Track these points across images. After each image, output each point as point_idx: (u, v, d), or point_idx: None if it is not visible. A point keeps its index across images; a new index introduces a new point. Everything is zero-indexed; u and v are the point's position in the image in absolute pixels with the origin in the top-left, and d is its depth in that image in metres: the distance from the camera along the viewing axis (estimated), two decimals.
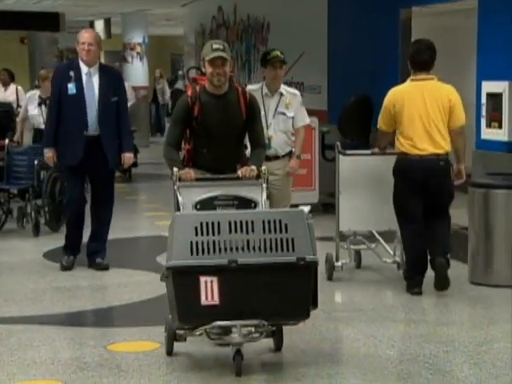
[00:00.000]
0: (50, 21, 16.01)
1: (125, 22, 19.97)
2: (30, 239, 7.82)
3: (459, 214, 5.95)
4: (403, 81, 5.74)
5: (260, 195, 3.94)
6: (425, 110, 5.08)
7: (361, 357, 3.90)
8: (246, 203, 3.88)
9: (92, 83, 5.90)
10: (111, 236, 6.52)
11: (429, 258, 5.19)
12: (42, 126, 7.47)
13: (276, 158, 5.54)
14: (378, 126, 5.48)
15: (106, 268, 6.10)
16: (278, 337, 3.74)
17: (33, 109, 8.91)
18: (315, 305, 3.52)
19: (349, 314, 5.12)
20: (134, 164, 9.29)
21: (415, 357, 3.96)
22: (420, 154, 5.06)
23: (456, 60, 7.97)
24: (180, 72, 24.65)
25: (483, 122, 6.66)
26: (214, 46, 4.05)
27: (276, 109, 5.51)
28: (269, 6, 10.09)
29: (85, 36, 5.97)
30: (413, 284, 5.21)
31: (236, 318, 3.30)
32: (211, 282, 3.24)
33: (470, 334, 4.76)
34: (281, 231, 3.31)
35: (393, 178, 5.27)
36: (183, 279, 3.29)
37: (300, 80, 9.54)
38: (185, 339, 3.69)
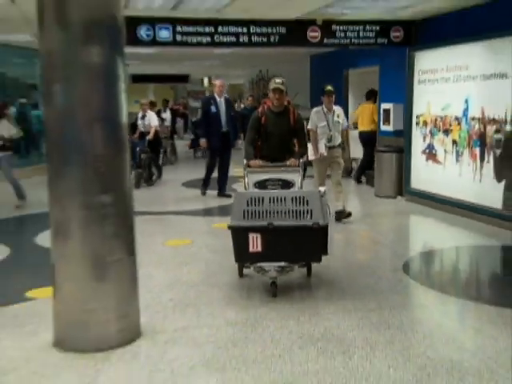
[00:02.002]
0: (184, 78, 28.12)
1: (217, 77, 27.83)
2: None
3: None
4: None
5: (297, 177, 5.57)
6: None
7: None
8: (287, 183, 5.49)
9: (222, 105, 10.16)
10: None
11: None
12: (142, 129, 12.41)
13: (334, 146, 8.09)
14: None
15: (228, 196, 9.68)
16: (308, 268, 5.45)
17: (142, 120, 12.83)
18: (326, 253, 4.96)
19: None
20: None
21: None
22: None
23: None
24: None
25: (381, 121, 11.36)
26: (276, 81, 5.94)
27: (333, 120, 8.02)
28: (282, 68, 15.34)
29: (218, 82, 10.60)
30: None
31: (271, 260, 4.89)
32: (256, 237, 4.73)
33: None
34: (303, 204, 4.78)
35: None
36: (238, 234, 4.81)
37: (297, 103, 12.63)
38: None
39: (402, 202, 9.55)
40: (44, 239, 5.33)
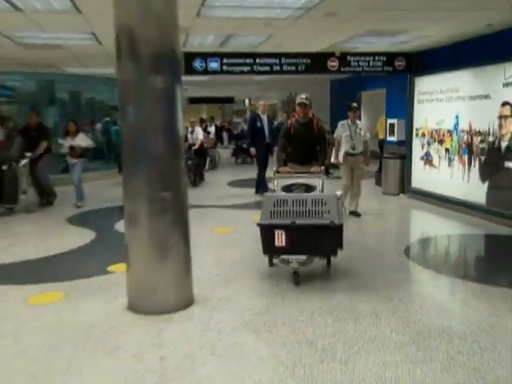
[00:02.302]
0: (230, 100, 26.95)
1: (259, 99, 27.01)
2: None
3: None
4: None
5: (319, 182, 5.29)
6: None
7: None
8: (309, 187, 5.17)
9: (265, 121, 10.00)
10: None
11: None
12: (190, 141, 12.30)
13: (357, 154, 7.82)
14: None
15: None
16: (328, 259, 5.15)
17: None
18: (341, 247, 4.69)
19: None
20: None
21: None
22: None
23: (379, 111, 13.03)
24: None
25: (387, 133, 11.35)
26: (301, 96, 5.98)
27: (356, 131, 7.79)
28: (307, 90, 13.40)
29: (262, 103, 10.38)
30: None
31: (294, 254, 4.63)
32: (281, 233, 4.52)
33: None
34: (321, 206, 4.57)
35: None
36: (265, 231, 4.60)
37: (320, 117, 12.47)
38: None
39: (404, 199, 9.44)
40: (121, 226, 5.39)
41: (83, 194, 9.26)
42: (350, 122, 7.87)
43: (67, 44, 8.74)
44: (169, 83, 4.25)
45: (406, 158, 9.66)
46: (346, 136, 7.80)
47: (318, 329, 3.86)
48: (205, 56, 9.23)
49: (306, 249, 4.63)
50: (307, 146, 5.98)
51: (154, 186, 4.27)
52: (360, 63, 9.73)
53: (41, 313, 4.20)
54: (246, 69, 9.47)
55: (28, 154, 8.82)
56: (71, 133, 9.09)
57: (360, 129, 7.91)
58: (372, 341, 3.67)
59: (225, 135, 25.34)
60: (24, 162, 8.76)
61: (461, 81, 7.99)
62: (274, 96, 24.22)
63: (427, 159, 9.01)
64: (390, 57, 9.83)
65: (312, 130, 5.96)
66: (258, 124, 9.96)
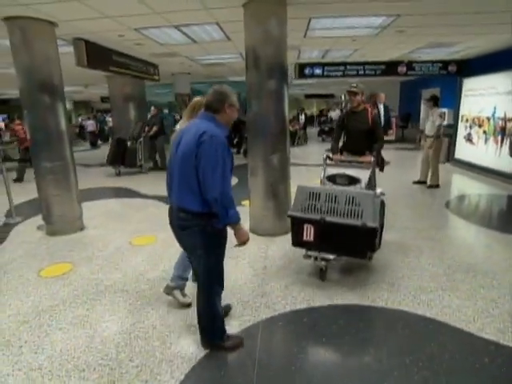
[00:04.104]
0: (331, 96, 25.42)
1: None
2: None
3: None
4: None
5: (366, 174, 3.64)
6: None
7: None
8: (354, 180, 3.61)
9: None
10: None
11: None
12: None
13: (429, 136, 6.84)
14: None
15: None
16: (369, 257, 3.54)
17: None
18: (373, 250, 3.33)
19: None
20: None
21: None
22: None
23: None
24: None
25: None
26: (352, 85, 4.23)
27: (431, 118, 6.75)
28: (383, 89, 12.98)
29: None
30: None
31: (321, 250, 3.31)
32: (310, 227, 3.25)
33: None
34: (355, 205, 3.13)
35: None
36: (295, 223, 3.32)
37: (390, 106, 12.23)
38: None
39: (450, 166, 9.18)
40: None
41: None
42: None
43: (226, 61, 9.03)
44: (278, 86, 4.21)
45: (452, 137, 9.59)
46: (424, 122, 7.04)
47: (373, 260, 3.60)
48: (312, 65, 9.51)
49: (334, 248, 3.25)
50: (359, 135, 4.24)
51: (267, 150, 4.32)
52: (422, 68, 9.66)
53: None
54: (339, 73, 9.59)
55: (143, 134, 8.93)
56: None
57: (433, 115, 6.87)
58: (413, 270, 3.49)
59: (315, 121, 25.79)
60: (140, 139, 8.92)
61: (499, 80, 7.90)
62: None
63: (468, 138, 8.95)
64: (445, 63, 9.70)
65: (365, 118, 4.22)
66: None
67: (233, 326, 2.73)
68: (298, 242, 3.35)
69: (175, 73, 11.17)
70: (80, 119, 21.49)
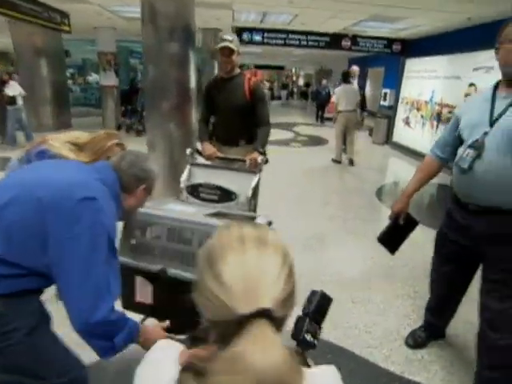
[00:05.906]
0: (281, 67, 27.43)
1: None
2: None
3: None
4: None
5: (249, 185, 2.25)
6: None
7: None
8: (228, 194, 2.25)
9: None
10: None
11: None
12: None
13: (350, 111, 6.82)
14: None
15: None
16: None
17: None
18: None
19: None
20: None
21: None
22: None
23: (379, 83, 9.75)
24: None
25: (382, 99, 11.47)
26: (224, 37, 2.71)
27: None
28: (331, 65, 11.25)
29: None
30: None
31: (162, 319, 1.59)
32: (144, 284, 1.70)
33: None
34: (193, 244, 1.67)
35: None
36: (123, 274, 1.46)
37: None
38: None
39: (387, 149, 9.30)
40: None
41: None
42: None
43: None
44: (182, 49, 3.92)
45: (391, 118, 9.62)
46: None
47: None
48: (251, 30, 9.01)
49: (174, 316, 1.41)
50: (232, 114, 2.78)
51: (167, 120, 4.01)
52: (366, 44, 9.48)
53: None
54: (280, 42, 9.15)
55: None
56: None
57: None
58: (353, 236, 3.75)
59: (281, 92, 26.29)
60: None
61: (439, 64, 7.83)
62: (311, 68, 25.76)
63: (406, 121, 8.96)
64: (390, 41, 9.57)
65: (240, 89, 2.74)
66: None
67: None
68: (130, 303, 1.74)
69: (97, 26, 9.79)
70: None
